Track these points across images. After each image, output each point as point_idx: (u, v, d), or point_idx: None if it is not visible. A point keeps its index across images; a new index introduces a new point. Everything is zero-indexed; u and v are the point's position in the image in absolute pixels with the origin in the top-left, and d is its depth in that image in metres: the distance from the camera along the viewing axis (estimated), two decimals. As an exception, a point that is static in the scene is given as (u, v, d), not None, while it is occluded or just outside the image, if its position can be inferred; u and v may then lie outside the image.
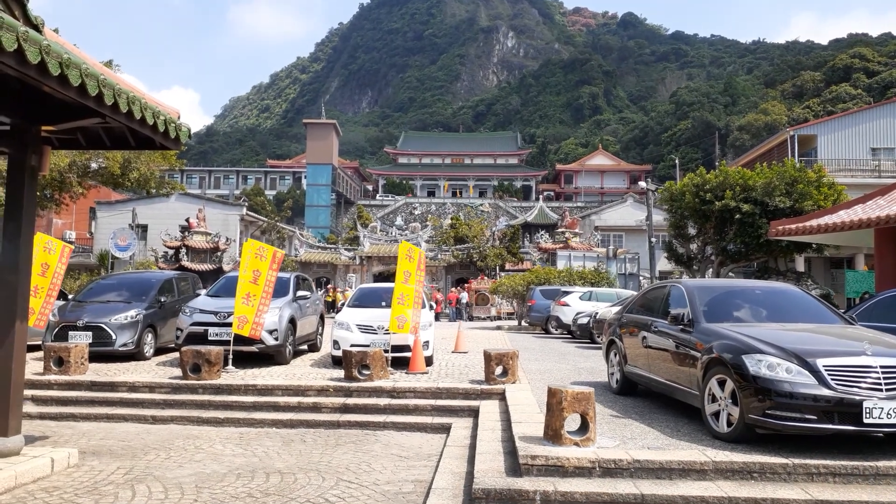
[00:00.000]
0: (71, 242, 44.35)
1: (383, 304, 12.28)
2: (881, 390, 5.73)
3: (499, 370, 9.77)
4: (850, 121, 39.14)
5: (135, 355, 12.66)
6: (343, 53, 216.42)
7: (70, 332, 12.17)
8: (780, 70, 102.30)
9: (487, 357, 9.85)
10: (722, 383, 6.42)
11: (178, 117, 7.68)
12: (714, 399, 6.51)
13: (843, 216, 15.17)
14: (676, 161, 57.70)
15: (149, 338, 13.05)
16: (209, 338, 11.60)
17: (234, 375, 10.58)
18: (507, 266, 44.78)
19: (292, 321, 12.44)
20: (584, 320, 19.57)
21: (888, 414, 5.59)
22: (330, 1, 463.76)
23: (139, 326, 12.64)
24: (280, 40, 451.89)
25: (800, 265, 30.95)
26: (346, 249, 47.93)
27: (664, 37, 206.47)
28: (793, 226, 16.71)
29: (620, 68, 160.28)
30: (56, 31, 9.79)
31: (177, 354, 11.78)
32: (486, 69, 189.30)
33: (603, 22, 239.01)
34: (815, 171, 23.59)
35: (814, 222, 15.94)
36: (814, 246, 22.86)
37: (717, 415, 6.46)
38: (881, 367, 5.84)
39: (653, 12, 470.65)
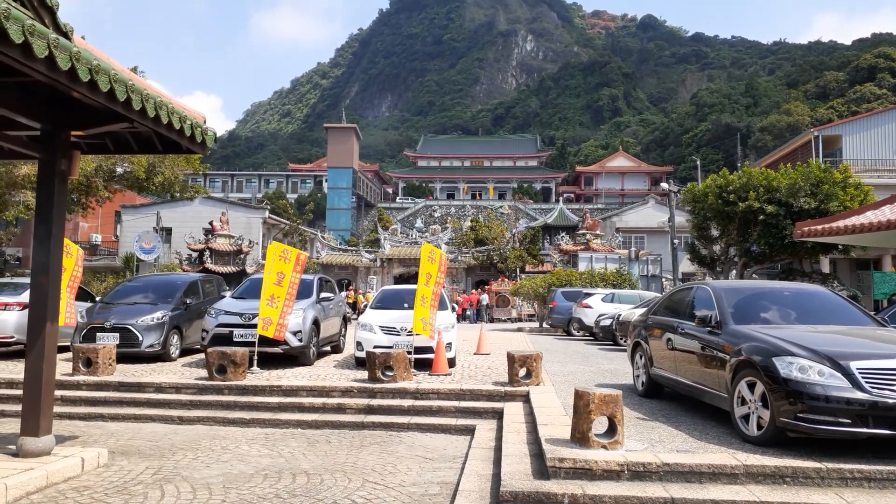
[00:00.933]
0: (96, 246, 45.05)
1: (406, 305, 12.26)
2: (917, 393, 5.58)
3: (522, 372, 9.70)
4: (876, 121, 38.46)
5: (161, 356, 12.76)
6: (363, 58, 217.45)
7: (98, 334, 12.29)
8: (803, 70, 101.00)
9: (511, 359, 9.78)
10: (752, 386, 6.30)
11: (204, 121, 7.73)
12: (743, 402, 6.39)
13: (870, 217, 14.89)
14: (698, 162, 57.23)
15: (175, 339, 13.14)
16: (234, 339, 11.66)
17: (260, 376, 10.62)
18: (528, 268, 44.62)
19: (316, 323, 12.46)
20: (607, 322, 19.41)
21: (925, 418, 5.45)
22: (350, 7, 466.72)
23: (165, 328, 12.73)
24: (301, 46, 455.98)
25: (825, 266, 30.46)
26: (366, 252, 48.07)
27: (684, 38, 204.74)
28: (819, 227, 16.44)
29: (640, 70, 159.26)
30: (83, 38, 9.89)
31: (202, 355, 11.85)
32: (504, 73, 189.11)
33: (622, 24, 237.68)
34: (840, 172, 23.22)
35: (840, 223, 15.67)
36: (840, 247, 22.48)
37: (746, 418, 6.34)
38: (917, 369, 5.70)
39: (672, 14, 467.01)
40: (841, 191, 22.45)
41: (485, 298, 38.87)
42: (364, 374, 10.57)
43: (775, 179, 22.92)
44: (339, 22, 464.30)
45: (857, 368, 5.71)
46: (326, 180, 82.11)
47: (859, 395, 5.58)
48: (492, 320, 37.39)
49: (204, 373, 10.69)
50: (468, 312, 38.29)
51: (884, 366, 5.74)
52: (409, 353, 10.74)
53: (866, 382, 5.64)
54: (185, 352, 13.72)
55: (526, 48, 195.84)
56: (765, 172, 23.73)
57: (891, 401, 5.52)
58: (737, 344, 6.71)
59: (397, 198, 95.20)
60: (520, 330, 27.79)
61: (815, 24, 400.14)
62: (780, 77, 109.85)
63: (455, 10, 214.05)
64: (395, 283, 43.12)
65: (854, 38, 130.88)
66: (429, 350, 11.23)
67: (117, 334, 12.32)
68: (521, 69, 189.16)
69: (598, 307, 21.76)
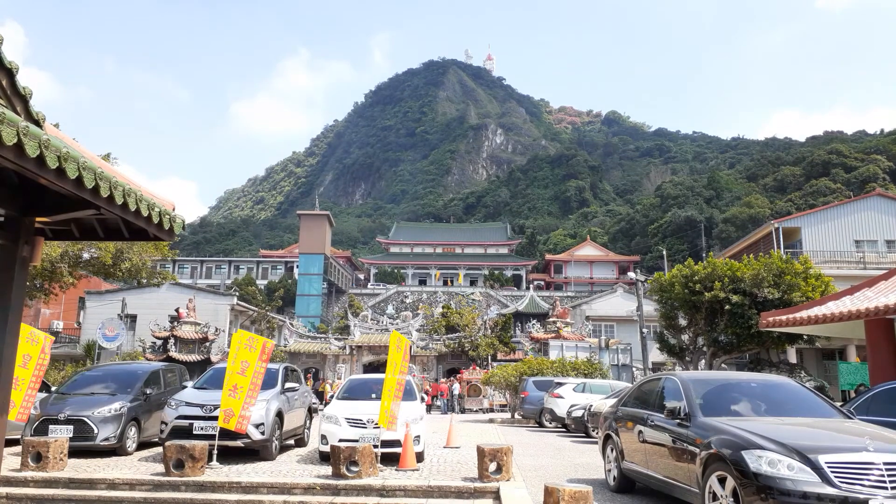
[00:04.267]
0: (57, 333, 43.79)
1: (373, 395, 12.00)
2: (886, 488, 5.54)
3: (493, 467, 9.44)
4: (833, 213, 40.01)
5: (117, 450, 12.21)
6: (338, 148, 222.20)
7: (51, 426, 11.76)
8: (761, 165, 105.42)
9: (481, 453, 9.54)
10: (722, 480, 6.21)
11: (173, 209, 7.72)
12: (715, 497, 6.28)
13: (832, 308, 15.20)
14: (664, 252, 58.34)
15: (132, 431, 12.62)
16: (194, 432, 11.26)
17: (219, 472, 10.18)
18: (499, 356, 44.29)
19: (279, 415, 12.10)
20: (579, 413, 19.19)
21: (896, 514, 5.39)
22: (326, 99, 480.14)
23: (123, 420, 12.25)
24: (276, 136, 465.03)
25: (792, 356, 30.75)
26: (335, 339, 47.42)
27: (647, 133, 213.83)
28: (783, 317, 16.70)
29: (606, 163, 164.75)
30: (57, 125, 9.96)
31: (161, 449, 11.36)
32: (475, 164, 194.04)
33: (588, 120, 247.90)
34: (801, 263, 23.83)
35: (804, 313, 15.95)
36: (805, 337, 22.79)
37: (719, 515, 6.21)
38: (884, 463, 5.68)
39: (635, 110, 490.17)
40: (802, 281, 22.96)
41: (456, 388, 38.29)
42: (328, 470, 10.18)
43: (739, 270, 23.40)
44: (316, 113, 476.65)
45: (826, 462, 5.68)
46: (297, 266, 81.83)
47: (829, 490, 5.53)
48: (463, 410, 36.68)
49: (161, 468, 10.23)
50: (438, 402, 37.56)
51: (852, 459, 5.72)
52: (376, 446, 10.43)
53: (835, 477, 5.59)
54: (143, 445, 13.17)
55: (496, 141, 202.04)
56: (729, 263, 24.25)
57: (861, 496, 5.47)
58: (706, 437, 6.65)
59: (369, 284, 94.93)
60: (491, 421, 27.26)
61: (773, 120, 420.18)
62: (740, 171, 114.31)
63: (428, 105, 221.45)
64: (365, 371, 42.36)
65: (808, 136, 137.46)
66: (396, 443, 10.90)
67: (71, 427, 11.81)
68: (492, 161, 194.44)
69: (569, 397, 21.54)
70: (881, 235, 38.79)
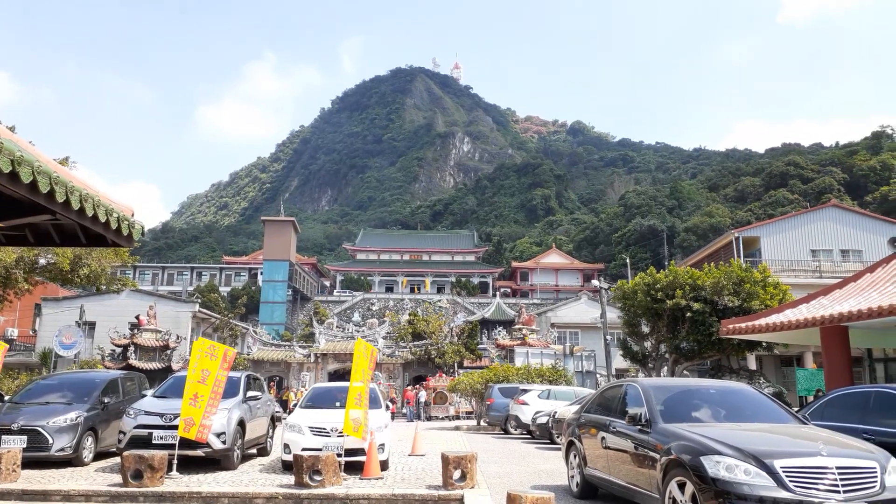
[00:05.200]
0: (12, 340, 42.54)
1: (337, 404, 11.91)
2: (838, 492, 5.69)
3: (457, 474, 9.43)
4: (790, 223, 41.06)
5: (73, 461, 11.90)
6: (304, 154, 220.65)
7: (3, 437, 11.41)
8: (722, 175, 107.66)
9: (445, 460, 9.53)
10: (682, 486, 6.30)
11: (132, 214, 7.58)
12: (675, 502, 6.37)
13: (789, 315, 15.56)
14: (628, 260, 59.19)
15: (89, 441, 12.33)
16: (153, 441, 11.04)
17: (178, 482, 9.98)
18: (466, 363, 44.30)
19: (241, 423, 11.95)
20: (544, 420, 19.28)
21: (847, 517, 5.53)
22: (293, 105, 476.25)
23: (79, 429, 11.94)
24: (241, 141, 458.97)
25: (751, 363, 31.39)
26: (300, 347, 46.94)
27: (611, 143, 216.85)
28: (742, 325, 17.04)
29: (571, 172, 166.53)
30: (13, 128, 9.72)
31: (118, 459, 11.11)
32: (443, 171, 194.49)
33: (553, 129, 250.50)
34: (760, 272, 24.32)
35: (762, 321, 16.29)
36: (764, 344, 23.24)
37: (678, 519, 6.29)
38: (837, 467, 5.83)
39: (600, 121, 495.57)
40: (761, 290, 23.43)
41: (422, 395, 38.17)
42: (291, 479, 10.06)
43: (700, 278, 23.79)
44: (282, 119, 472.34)
45: (782, 467, 5.80)
46: (262, 273, 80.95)
47: (784, 494, 5.64)
48: (429, 418, 36.58)
49: (119, 478, 9.99)
50: (405, 410, 37.42)
51: (806, 464, 5.85)
52: (340, 455, 10.35)
53: (790, 481, 5.72)
54: (100, 455, 12.86)
55: (463, 149, 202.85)
56: (690, 271, 24.66)
57: (815, 500, 5.60)
58: (666, 443, 6.75)
59: (335, 291, 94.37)
60: (457, 428, 27.24)
61: (735, 131, 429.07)
62: (702, 181, 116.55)
63: (395, 112, 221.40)
64: (330, 379, 42.02)
65: (767, 147, 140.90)
66: (360, 452, 10.83)
67: (25, 437, 11.47)
68: (459, 168, 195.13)
69: (534, 404, 21.63)
70: (836, 245, 39.92)
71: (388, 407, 13.49)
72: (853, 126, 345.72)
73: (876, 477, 5.89)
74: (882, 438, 7.35)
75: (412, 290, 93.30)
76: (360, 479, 10.32)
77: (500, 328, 47.65)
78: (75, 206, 6.11)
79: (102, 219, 6.66)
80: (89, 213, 6.37)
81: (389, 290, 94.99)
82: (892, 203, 71.47)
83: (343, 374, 40.33)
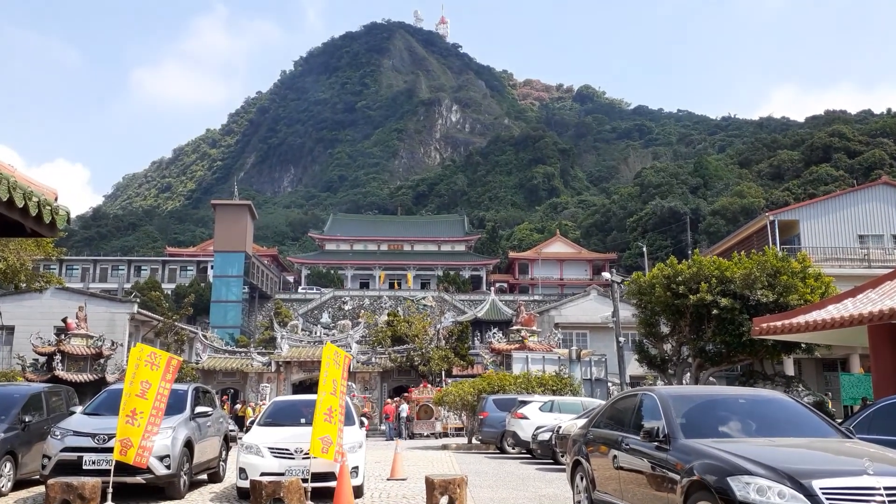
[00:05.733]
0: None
1: (303, 420, 11.92)
2: (887, 515, 5.76)
3: (444, 501, 9.47)
4: (834, 205, 41.30)
5: (-13, 491, 11.85)
6: (261, 126, 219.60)
7: None
8: (755, 149, 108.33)
9: (430, 485, 9.56)
10: (707, 511, 6.35)
11: (56, 199, 7.54)
12: (698, 531, 6.43)
13: (832, 312, 15.71)
14: (644, 249, 59.46)
15: (7, 468, 12.27)
16: (84, 466, 11.00)
17: (114, 515, 9.97)
18: (455, 371, 44.44)
19: (188, 444, 11.93)
20: (546, 436, 19.41)
21: (897, 545, 5.61)
22: (248, 67, 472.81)
23: (-6, 454, 11.88)
24: (187, 110, 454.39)
25: (789, 368, 31.70)
26: (259, 354, 46.89)
27: (626, 112, 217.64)
28: (778, 323, 17.20)
29: (578, 146, 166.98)
30: None
31: (42, 488, 11.07)
32: (427, 145, 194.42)
33: (557, 95, 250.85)
34: (799, 261, 24.53)
35: (801, 319, 16.44)
36: (803, 346, 23.48)
37: (702, 551, 6.36)
38: (885, 488, 5.89)
39: (612, 85, 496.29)
40: (800, 282, 23.63)
41: (404, 409, 38.29)
42: (248, 509, 10.09)
43: (728, 269, 23.96)
44: (235, 83, 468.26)
45: (821, 488, 5.85)
46: (213, 267, 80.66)
47: (824, 519, 5.71)
48: (412, 436, 36.70)
49: (42, 511, 9.96)
50: (383, 427, 37.52)
51: (850, 484, 5.91)
52: (305, 480, 10.36)
53: (831, 504, 5.78)
54: (20, 483, 12.81)
55: (451, 119, 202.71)
56: (717, 262, 24.81)
57: (860, 525, 5.67)
58: (688, 461, 6.80)
59: (299, 287, 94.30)
60: (445, 447, 27.36)
61: (770, 98, 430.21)
62: (731, 155, 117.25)
63: (370, 75, 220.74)
64: (294, 391, 42.02)
65: (807, 116, 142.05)
66: (330, 476, 10.83)
67: (-73, 465, 11.40)
68: (446, 142, 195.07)
69: (535, 418, 21.76)
70: (888, 230, 40.22)
71: (362, 423, 13.52)
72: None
73: (930, 498, 5.96)
74: (938, 454, 7.44)
75: (392, 286, 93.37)
76: (329, 508, 10.35)
77: (494, 330, 47.84)
78: (-15, 187, 6.06)
79: (19, 204, 6.62)
80: (3, 197, 6.32)
81: (365, 286, 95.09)
82: (953, 180, 72.25)
83: (310, 386, 40.31)
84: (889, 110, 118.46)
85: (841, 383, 26.47)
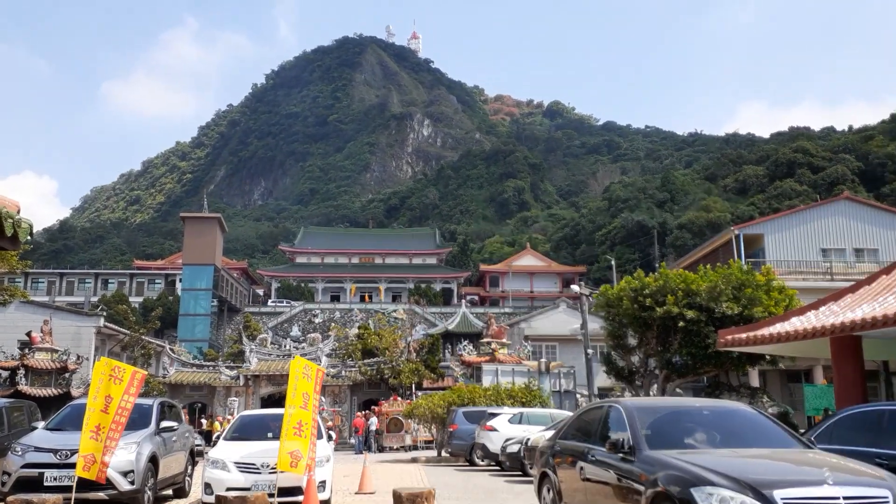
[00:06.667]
0: None
1: (270, 435, 11.80)
2: (846, 525, 5.82)
3: (411, 514, 9.42)
4: (798, 219, 41.97)
5: (-56, 510, 11.55)
6: (232, 139, 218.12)
7: None
8: (721, 164, 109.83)
9: (398, 499, 9.52)
10: (671, 523, 6.38)
11: (18, 211, 7.40)
12: (662, 542, 6.45)
13: (795, 324, 15.90)
14: (612, 262, 59.88)
15: (-35, 485, 11.97)
16: (45, 483, 10.85)
17: (75, 532, 9.77)
18: (425, 384, 44.33)
19: (153, 459, 11.77)
20: (515, 448, 19.40)
21: (856, 553, 5.67)
22: (219, 80, 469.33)
23: (-48, 471, 11.59)
24: (156, 123, 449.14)
25: (754, 379, 32.04)
26: (227, 367, 46.43)
27: (595, 127, 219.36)
28: (743, 335, 17.36)
29: (548, 161, 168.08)
30: None
31: (1, 506, 10.85)
32: (399, 159, 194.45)
33: (528, 111, 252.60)
34: (763, 274, 24.80)
35: (765, 331, 16.62)
36: (767, 357, 23.69)
37: (667, 562, 6.37)
38: (844, 497, 5.97)
39: (581, 101, 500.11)
40: (765, 295, 23.88)
41: (373, 422, 38.09)
42: (213, 524, 9.94)
43: (695, 282, 24.15)
44: (205, 96, 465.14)
45: (782, 498, 5.91)
46: (181, 280, 79.76)
47: (786, 529, 5.76)
48: (381, 449, 36.52)
49: (0, 529, 9.74)
50: (352, 440, 37.27)
51: (810, 494, 5.98)
52: (272, 496, 10.25)
53: (792, 514, 5.83)
54: (-22, 502, 12.50)
55: (423, 133, 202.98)
56: (683, 275, 25.01)
57: (820, 535, 5.72)
58: (652, 472, 6.83)
59: (269, 300, 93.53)
60: (414, 460, 27.26)
61: (737, 114, 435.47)
62: (698, 170, 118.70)
63: (342, 89, 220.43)
64: (264, 405, 41.63)
65: (772, 132, 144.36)
66: (297, 491, 10.75)
67: None
68: (418, 156, 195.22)
69: (504, 430, 21.74)
70: (849, 243, 40.94)
71: (330, 437, 13.42)
72: (869, 109, 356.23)
73: (888, 507, 6.05)
74: (896, 463, 7.55)
75: (362, 299, 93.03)
76: (296, 522, 10.24)
77: (465, 342, 47.78)
78: (-58, 198, 5.93)
79: (-23, 214, 6.48)
80: (-40, 207, 6.19)
81: (335, 299, 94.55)
82: (912, 195, 73.85)
83: (278, 399, 39.93)
84: (851, 127, 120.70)
85: (804, 394, 26.82)
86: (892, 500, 6.10)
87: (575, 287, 34.82)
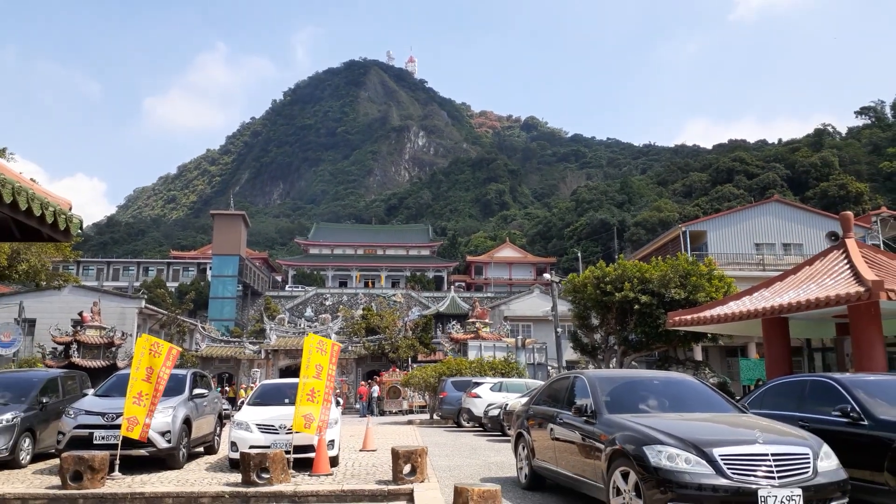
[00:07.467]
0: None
1: (286, 401, 11.78)
2: (774, 478, 5.88)
3: (407, 468, 9.44)
4: (735, 218, 42.21)
5: (9, 463, 11.48)
6: (255, 147, 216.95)
7: (-67, 440, 10.95)
8: (671, 171, 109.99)
9: (395, 455, 9.52)
10: (625, 475, 6.43)
11: (70, 208, 7.35)
12: (619, 492, 6.49)
13: (732, 307, 15.99)
14: (579, 254, 59.91)
15: (26, 443, 11.92)
16: (95, 441, 10.74)
17: (121, 483, 9.74)
18: (420, 357, 44.33)
19: (187, 421, 11.72)
20: (495, 412, 19.43)
21: (781, 502, 5.73)
22: (244, 96, 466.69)
23: (15, 431, 11.53)
24: (190, 133, 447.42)
25: (698, 354, 32.20)
26: (250, 343, 46.28)
27: (564, 139, 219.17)
28: (688, 316, 17.45)
29: (525, 167, 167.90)
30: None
31: (58, 461, 10.78)
32: (398, 165, 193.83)
33: (507, 125, 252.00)
34: (706, 265, 24.94)
35: (707, 313, 16.71)
36: (709, 335, 23.87)
37: (622, 508, 6.42)
38: (772, 454, 6.03)
39: (553, 116, 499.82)
40: (707, 282, 24.03)
41: (375, 390, 38.07)
42: (238, 477, 9.92)
43: (648, 271, 24.27)
44: (232, 111, 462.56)
45: (720, 455, 5.97)
46: (211, 268, 79.34)
47: (723, 481, 5.81)
48: (382, 413, 36.52)
49: (57, 480, 9.69)
50: (357, 405, 37.24)
51: (743, 451, 6.04)
52: (288, 452, 10.24)
53: (728, 468, 5.89)
54: (38, 457, 12.46)
55: (418, 143, 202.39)
56: (638, 265, 25.13)
57: (751, 486, 5.78)
58: (611, 433, 6.88)
59: (286, 286, 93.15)
60: (410, 423, 27.25)
61: (685, 128, 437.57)
62: (652, 177, 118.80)
63: (349, 105, 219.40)
64: (282, 375, 41.55)
65: (714, 143, 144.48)
66: (310, 449, 10.74)
67: (-43, 440, 11.03)
68: (414, 163, 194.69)
69: (486, 397, 21.78)
70: (778, 239, 41.21)
71: (338, 402, 13.40)
72: (796, 124, 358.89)
73: (809, 463, 6.11)
74: (815, 425, 7.62)
75: (366, 285, 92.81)
76: (309, 476, 10.23)
77: (454, 322, 47.80)
78: (7, 198, 5.90)
79: (37, 212, 6.45)
80: (22, 206, 6.15)
81: (343, 284, 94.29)
82: (831, 198, 74.17)
83: (295, 371, 39.90)
84: (780, 140, 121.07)
85: (740, 367, 27.01)
86: (811, 457, 6.18)
87: (547, 275, 34.87)
